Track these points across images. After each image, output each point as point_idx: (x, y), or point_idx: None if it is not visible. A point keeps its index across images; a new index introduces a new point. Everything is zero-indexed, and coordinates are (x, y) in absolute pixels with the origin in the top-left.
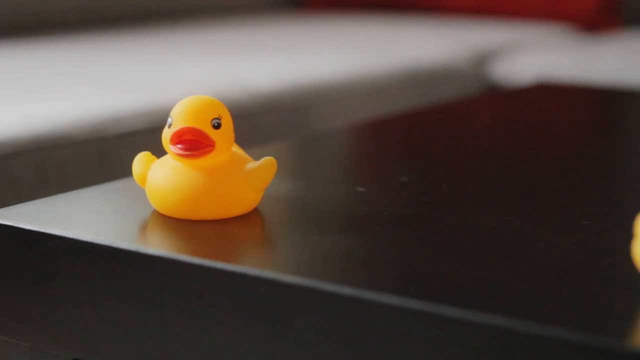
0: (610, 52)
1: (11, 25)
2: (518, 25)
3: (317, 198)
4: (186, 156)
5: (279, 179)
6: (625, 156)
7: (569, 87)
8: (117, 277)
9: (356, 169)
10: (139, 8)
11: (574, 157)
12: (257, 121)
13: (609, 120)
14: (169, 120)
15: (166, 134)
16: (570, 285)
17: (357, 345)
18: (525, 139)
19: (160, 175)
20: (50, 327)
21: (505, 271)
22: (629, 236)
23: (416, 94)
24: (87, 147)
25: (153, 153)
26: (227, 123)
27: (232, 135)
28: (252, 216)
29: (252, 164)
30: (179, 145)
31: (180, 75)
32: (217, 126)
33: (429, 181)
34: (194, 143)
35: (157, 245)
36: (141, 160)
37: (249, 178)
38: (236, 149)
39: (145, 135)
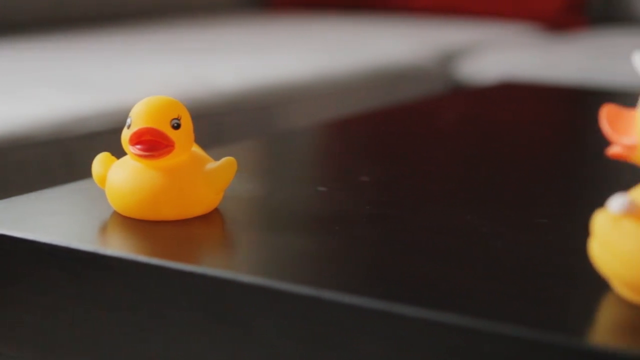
0: (575, 51)
1: None
2: (484, 24)
3: (278, 198)
4: (145, 157)
5: (240, 178)
6: (585, 155)
7: (533, 86)
8: (76, 279)
9: (318, 169)
10: (103, 8)
11: (535, 157)
12: (221, 121)
13: (572, 119)
14: (128, 120)
15: (125, 135)
16: (528, 284)
17: (317, 345)
18: (488, 138)
19: (120, 176)
20: (8, 328)
21: (464, 270)
22: (586, 234)
23: (382, 93)
24: (50, 148)
25: (117, 154)
26: (187, 123)
27: (191, 136)
28: (212, 216)
29: (212, 164)
30: (138, 146)
31: (145, 75)
32: (176, 126)
33: (390, 180)
34: (153, 143)
35: (116, 246)
36: (101, 161)
37: (209, 178)
38: (196, 149)
39: (109, 136)
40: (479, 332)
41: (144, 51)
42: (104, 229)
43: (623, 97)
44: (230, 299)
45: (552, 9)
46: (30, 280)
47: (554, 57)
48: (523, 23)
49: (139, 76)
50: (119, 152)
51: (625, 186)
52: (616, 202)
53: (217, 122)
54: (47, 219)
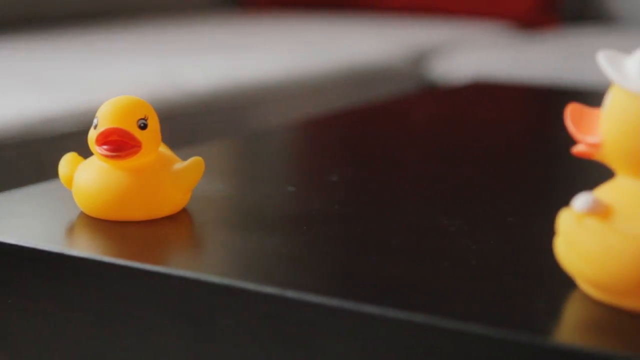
0: (547, 50)
1: None
2: (456, 23)
3: (247, 198)
4: (112, 157)
5: (209, 179)
6: (555, 154)
7: (505, 85)
8: (43, 280)
9: (288, 169)
10: (74, 7)
11: (505, 156)
12: (194, 122)
13: (542, 119)
14: (95, 121)
15: (92, 135)
16: (494, 283)
17: (283, 344)
18: (458, 138)
19: (87, 177)
20: None
21: (430, 269)
22: (553, 233)
23: (354, 93)
24: (19, 149)
25: (86, 155)
26: (154, 123)
27: (158, 136)
28: (180, 217)
29: (179, 164)
30: (105, 146)
31: (116, 76)
32: (143, 127)
33: (360, 180)
34: (119, 144)
35: (83, 247)
36: (67, 162)
37: (176, 178)
38: (164, 149)
39: (78, 137)
40: (445, 331)
41: (115, 51)
42: (70, 229)
43: (594, 97)
44: (196, 299)
45: (525, 8)
46: None
47: (526, 56)
48: (496, 22)
49: (110, 77)
50: (88, 153)
51: (593, 185)
52: (580, 201)
53: (189, 123)
54: (13, 220)
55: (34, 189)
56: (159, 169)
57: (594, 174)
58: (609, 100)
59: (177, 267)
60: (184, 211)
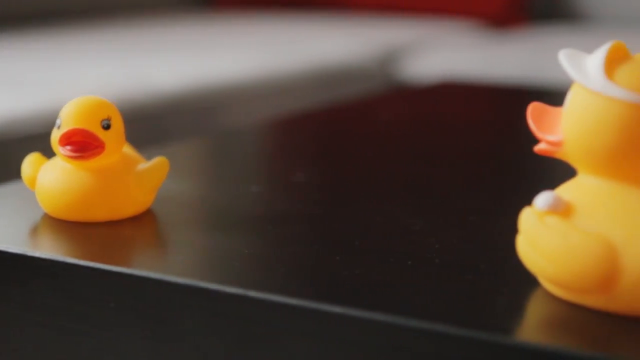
0: (516, 49)
1: None
2: (425, 22)
3: (211, 198)
4: (75, 158)
5: (175, 179)
6: (520, 153)
7: (473, 85)
8: (6, 281)
9: (253, 169)
10: (40, 6)
11: (471, 155)
12: (162, 122)
13: (509, 118)
14: (58, 121)
15: (55, 136)
16: (456, 281)
17: (246, 344)
18: (425, 137)
19: (50, 178)
20: None
21: (393, 268)
22: (516, 231)
23: (323, 93)
24: None
25: (52, 155)
26: (117, 124)
27: (122, 136)
28: (144, 217)
29: (143, 165)
30: (68, 147)
31: (82, 76)
32: (106, 127)
33: (325, 180)
34: (82, 144)
35: (46, 249)
36: (30, 162)
37: (140, 179)
38: (128, 149)
39: (45, 137)
40: (408, 330)
41: (83, 51)
42: (34, 231)
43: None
44: (160, 299)
45: (495, 6)
46: None
47: (495, 55)
48: (465, 20)
49: (77, 77)
50: (53, 154)
51: (558, 183)
52: (541, 199)
53: (157, 123)
54: None
55: None
56: (122, 169)
57: (559, 172)
58: (570, 98)
59: (140, 267)
60: (148, 212)
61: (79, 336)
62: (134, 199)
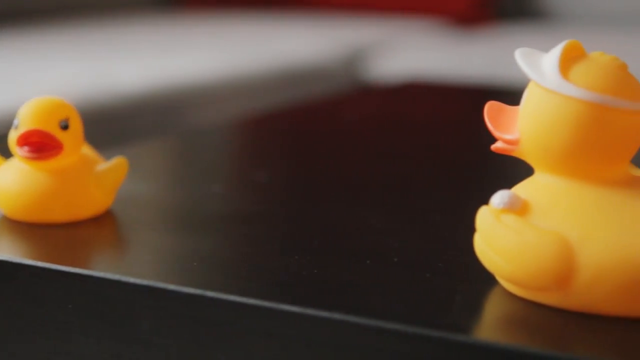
0: (483, 48)
1: None
2: (392, 21)
3: (172, 199)
4: (33, 158)
5: (135, 180)
6: (482, 153)
7: (438, 85)
8: None
9: (214, 169)
10: (2, 5)
11: (433, 155)
12: (127, 123)
13: (473, 118)
14: (15, 122)
15: (12, 136)
16: (414, 280)
17: (203, 344)
18: (388, 137)
19: (7, 179)
20: None
21: (352, 267)
22: (474, 230)
23: (289, 92)
24: None
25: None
26: (76, 124)
27: (81, 137)
28: (104, 218)
29: (102, 165)
30: (25, 148)
31: (47, 76)
32: (64, 127)
33: (288, 179)
34: (40, 145)
35: (3, 250)
36: None
37: (99, 179)
38: (87, 150)
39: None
40: (364, 329)
41: (46, 51)
42: None
43: None
44: (118, 300)
45: (461, 5)
46: None
47: (462, 54)
48: (431, 19)
49: (38, 77)
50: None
51: (518, 182)
52: (497, 198)
53: (122, 124)
54: None
55: None
56: (81, 170)
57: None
58: (526, 97)
59: (98, 268)
60: (107, 213)
61: (37, 338)
62: (92, 200)
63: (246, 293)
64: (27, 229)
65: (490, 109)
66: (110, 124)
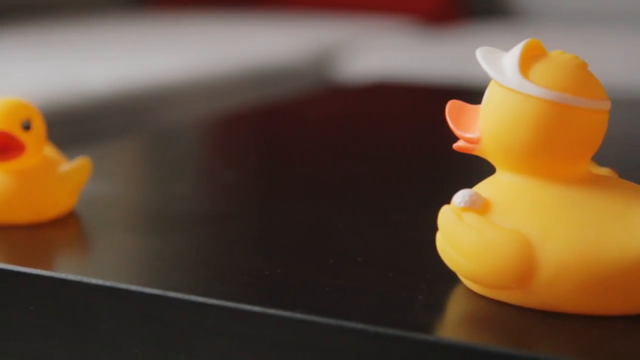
0: (453, 47)
1: None
2: (362, 20)
3: (136, 199)
4: None
5: (100, 180)
6: (446, 152)
7: (406, 85)
8: None
9: (178, 169)
10: None
11: (398, 154)
12: (94, 124)
13: (439, 118)
14: None
15: None
16: (377, 279)
17: (165, 344)
18: (354, 137)
19: None
20: None
21: (314, 266)
22: (436, 229)
23: (257, 92)
24: None
25: None
26: (38, 125)
27: (43, 137)
28: (67, 219)
29: (65, 166)
30: None
31: (13, 76)
32: (27, 128)
33: (252, 179)
34: (2, 146)
35: None
36: None
37: (62, 180)
38: (50, 151)
39: None
40: (326, 328)
41: (11, 50)
42: None
43: None
44: (79, 301)
45: (432, 3)
46: None
47: (432, 53)
48: (402, 17)
49: (5, 78)
50: None
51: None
52: (459, 196)
53: (90, 125)
54: None
55: None
56: (43, 171)
57: (483, 170)
58: (486, 95)
59: (60, 269)
60: (71, 214)
61: None
62: (55, 201)
63: (208, 293)
64: None
65: (452, 107)
66: (78, 125)
